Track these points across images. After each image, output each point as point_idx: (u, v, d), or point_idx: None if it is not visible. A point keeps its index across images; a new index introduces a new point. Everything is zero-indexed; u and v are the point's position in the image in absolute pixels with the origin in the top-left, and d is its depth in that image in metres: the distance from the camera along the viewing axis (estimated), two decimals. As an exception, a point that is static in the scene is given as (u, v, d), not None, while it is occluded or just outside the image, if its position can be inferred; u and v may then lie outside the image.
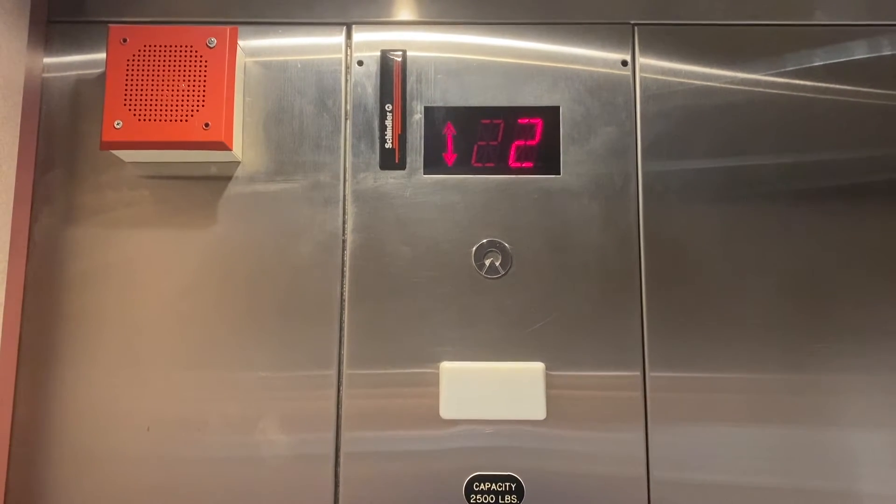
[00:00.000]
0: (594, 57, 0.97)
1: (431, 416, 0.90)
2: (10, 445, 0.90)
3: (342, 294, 0.93)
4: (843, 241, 0.94)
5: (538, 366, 0.90)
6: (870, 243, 0.94)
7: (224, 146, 0.88)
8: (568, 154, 0.95)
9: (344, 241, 0.94)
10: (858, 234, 0.94)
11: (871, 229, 0.94)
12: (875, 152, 0.95)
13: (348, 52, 0.98)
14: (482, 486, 0.89)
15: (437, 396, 0.89)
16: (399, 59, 0.97)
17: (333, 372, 0.91)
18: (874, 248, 0.94)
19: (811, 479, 0.90)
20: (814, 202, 0.94)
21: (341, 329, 0.92)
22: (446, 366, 0.90)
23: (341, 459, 0.89)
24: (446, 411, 0.89)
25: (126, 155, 0.93)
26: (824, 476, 0.90)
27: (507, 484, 0.88)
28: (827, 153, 0.95)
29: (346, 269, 0.93)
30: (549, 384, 0.90)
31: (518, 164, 0.94)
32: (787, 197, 0.94)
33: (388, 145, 0.95)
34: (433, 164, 0.95)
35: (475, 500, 0.88)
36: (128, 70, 0.88)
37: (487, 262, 0.93)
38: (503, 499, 0.88)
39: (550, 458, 0.89)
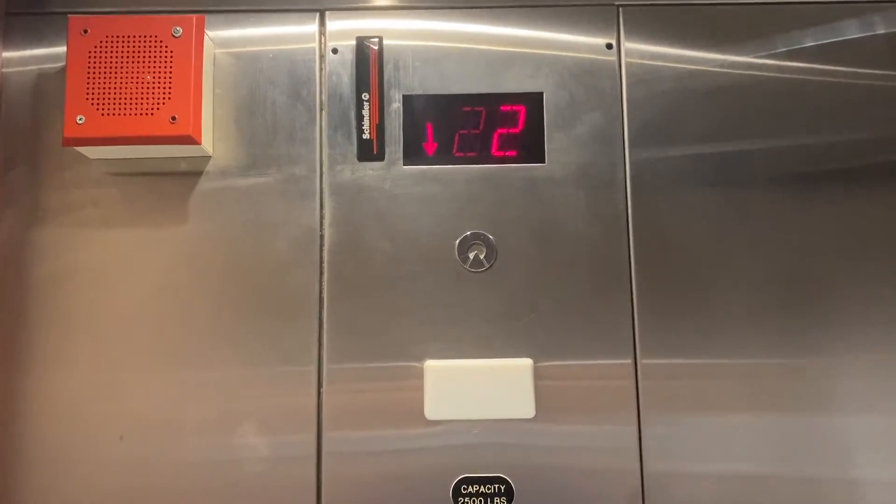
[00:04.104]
0: (578, 40, 0.94)
1: (416, 415, 0.87)
2: (-19, 455, 0.87)
3: (321, 291, 0.89)
4: (837, 225, 0.91)
5: (526, 362, 0.87)
6: (864, 227, 0.91)
7: (192, 140, 0.85)
8: (552, 142, 0.92)
9: (322, 236, 0.90)
10: (853, 217, 0.91)
11: (865, 213, 0.91)
12: (869, 134, 0.93)
13: (322, 41, 0.94)
14: (470, 489, 0.86)
15: (421, 393, 0.86)
16: (375, 47, 0.93)
17: (313, 370, 0.88)
18: (868, 232, 0.91)
19: (809, 467, 0.87)
20: (806, 186, 0.92)
21: (321, 327, 0.89)
22: (431, 364, 0.87)
23: (323, 460, 0.86)
24: (432, 412, 0.86)
25: (91, 151, 0.89)
26: (822, 463, 0.87)
27: (497, 486, 0.86)
28: (819, 136, 0.93)
29: (325, 264, 0.90)
30: (538, 377, 0.87)
31: (501, 153, 0.91)
32: (779, 182, 0.92)
33: (366, 136, 0.91)
34: (413, 154, 0.91)
35: (463, 502, 0.85)
36: (89, 62, 0.84)
37: (471, 255, 0.90)
38: (492, 501, 0.85)
39: (540, 455, 0.87)
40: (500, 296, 0.89)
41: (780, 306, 0.90)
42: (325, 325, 0.89)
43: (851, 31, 0.95)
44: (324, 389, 0.88)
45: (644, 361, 0.88)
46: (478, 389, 0.85)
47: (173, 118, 0.83)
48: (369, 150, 0.91)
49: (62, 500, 0.86)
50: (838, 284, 0.90)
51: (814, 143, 0.92)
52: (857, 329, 0.89)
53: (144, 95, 0.83)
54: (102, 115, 0.83)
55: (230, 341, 0.88)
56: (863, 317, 0.90)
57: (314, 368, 0.88)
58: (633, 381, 0.88)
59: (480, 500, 0.85)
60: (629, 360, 0.88)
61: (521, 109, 0.91)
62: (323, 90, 0.93)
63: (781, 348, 0.89)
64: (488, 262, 0.90)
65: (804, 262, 0.90)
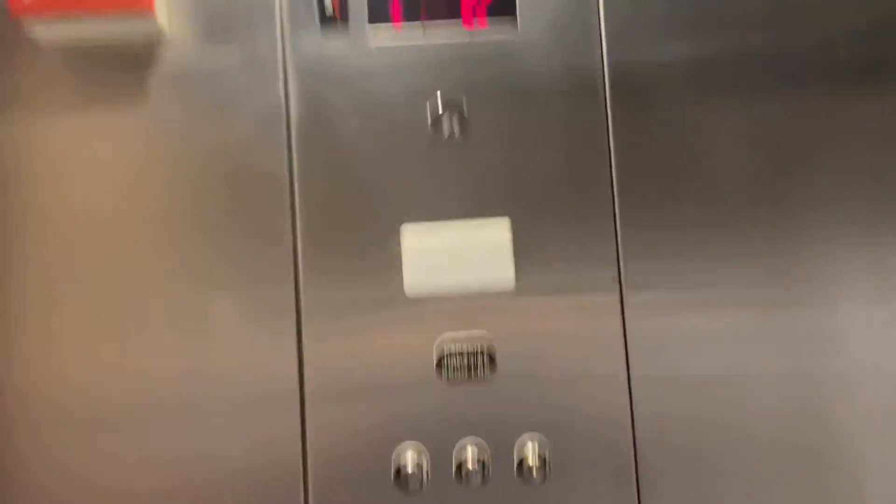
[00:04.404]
0: None
1: (395, 293, 0.84)
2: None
3: (291, 172, 0.86)
4: (834, 127, 0.87)
5: (502, 221, 0.84)
6: (862, 127, 0.87)
7: (147, 11, 0.80)
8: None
9: (288, 115, 0.87)
10: (851, 118, 0.87)
11: (864, 111, 0.87)
12: (867, 24, 0.87)
13: None
14: (454, 361, 0.84)
15: (399, 269, 0.84)
16: (334, -89, 0.88)
17: (289, 256, 0.85)
18: (866, 132, 0.87)
19: (804, 363, 0.85)
20: (804, 87, 0.87)
21: (293, 212, 0.86)
22: (409, 228, 0.85)
23: (304, 350, 0.84)
24: (411, 286, 0.83)
25: (41, 30, 0.84)
26: (818, 359, 0.85)
27: (479, 351, 0.84)
28: (811, 32, 0.87)
29: (293, 143, 0.86)
30: (516, 242, 0.84)
31: (471, 16, 0.87)
32: (774, 81, 0.87)
33: (328, 4, 0.87)
34: (379, 21, 0.87)
35: (447, 375, 0.84)
36: (29, -72, 0.79)
37: (445, 126, 0.86)
38: (476, 371, 0.84)
39: (522, 322, 0.85)
40: (477, 168, 0.86)
41: (772, 206, 0.86)
42: (297, 211, 0.86)
43: None
44: (301, 276, 0.85)
45: (627, 247, 0.86)
46: (456, 255, 0.83)
47: (123, -13, 0.79)
48: (332, 20, 0.87)
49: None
50: (835, 185, 0.86)
51: (807, 41, 0.87)
52: (851, 226, 0.86)
53: (90, -37, 0.79)
54: (47, -15, 0.78)
55: (197, 238, 0.85)
56: (858, 214, 0.86)
57: (290, 255, 0.85)
58: (615, 257, 0.86)
59: (465, 373, 0.84)
60: (611, 238, 0.86)
61: (491, -33, 0.87)
62: (280, -42, 0.88)
63: (772, 247, 0.86)
64: (462, 133, 0.87)
65: (798, 162, 0.87)
